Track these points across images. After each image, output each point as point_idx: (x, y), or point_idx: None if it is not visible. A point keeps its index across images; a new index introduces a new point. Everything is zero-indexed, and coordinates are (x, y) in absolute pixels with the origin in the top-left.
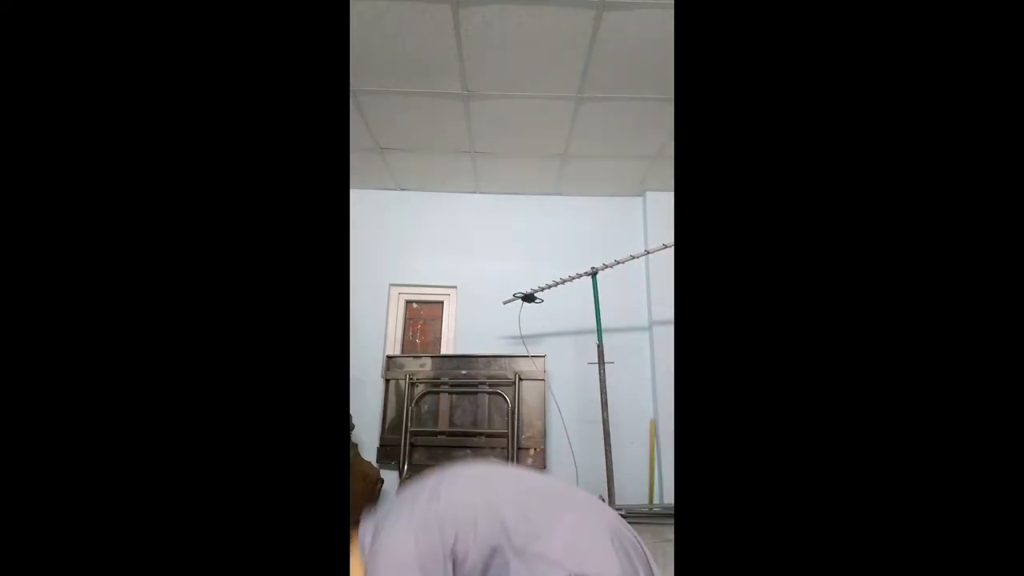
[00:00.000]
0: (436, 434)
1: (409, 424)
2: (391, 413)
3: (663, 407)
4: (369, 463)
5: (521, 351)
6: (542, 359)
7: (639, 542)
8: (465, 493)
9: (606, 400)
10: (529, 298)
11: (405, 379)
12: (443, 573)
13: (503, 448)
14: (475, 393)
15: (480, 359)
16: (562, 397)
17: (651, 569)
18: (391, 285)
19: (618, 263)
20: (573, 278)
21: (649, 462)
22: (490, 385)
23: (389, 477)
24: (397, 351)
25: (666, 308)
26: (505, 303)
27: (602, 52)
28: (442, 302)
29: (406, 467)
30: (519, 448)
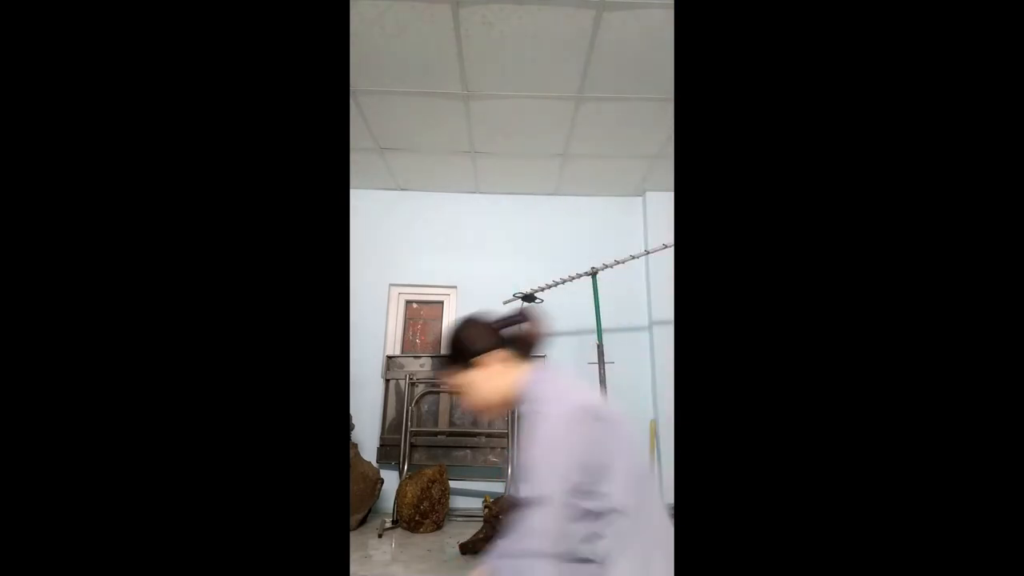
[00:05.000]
0: (436, 434)
1: (409, 424)
2: (391, 413)
3: (663, 407)
4: (369, 463)
5: None
6: (542, 359)
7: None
8: (624, 459)
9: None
10: (529, 298)
11: (405, 379)
12: (571, 457)
13: (503, 448)
14: None
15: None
16: None
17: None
18: (391, 285)
19: (618, 263)
20: (573, 278)
21: (649, 462)
22: None
23: (389, 477)
24: (397, 351)
25: (666, 308)
26: (505, 303)
27: (602, 52)
28: (442, 302)
29: (406, 467)
30: (519, 448)
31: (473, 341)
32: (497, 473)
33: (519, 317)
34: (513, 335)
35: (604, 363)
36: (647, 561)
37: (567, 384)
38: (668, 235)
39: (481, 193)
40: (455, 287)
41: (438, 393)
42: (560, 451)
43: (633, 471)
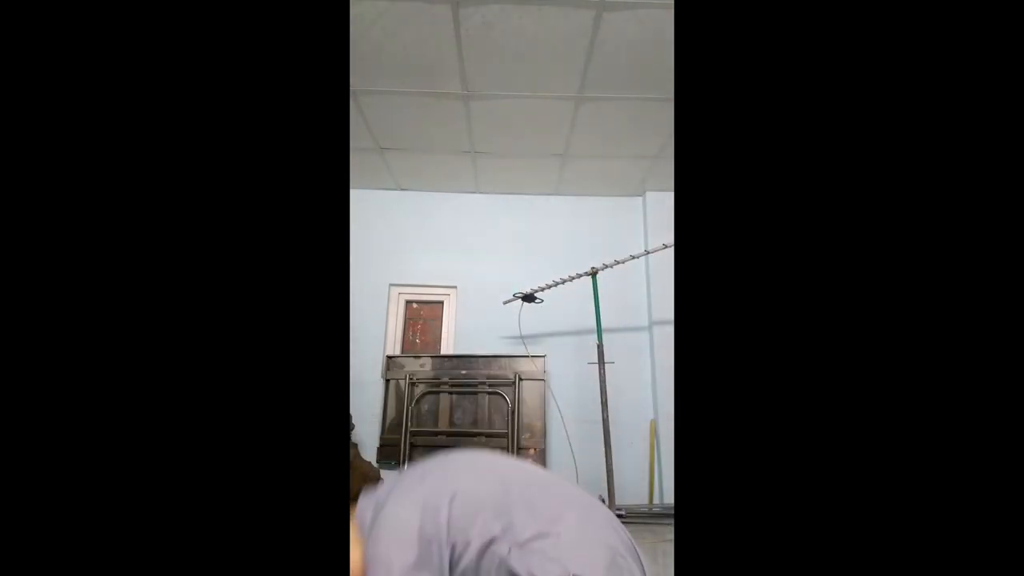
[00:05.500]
0: (436, 434)
1: (409, 424)
2: (391, 413)
3: (663, 407)
4: (369, 463)
5: (521, 351)
6: (542, 359)
7: (633, 545)
8: (477, 485)
9: (606, 400)
10: (529, 298)
11: (405, 379)
12: (440, 556)
13: (503, 448)
14: (475, 393)
15: (480, 359)
16: (562, 397)
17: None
18: (391, 285)
19: (618, 263)
20: (573, 278)
21: (649, 462)
22: (490, 385)
23: (389, 477)
24: (397, 351)
25: (666, 308)
26: (505, 303)
27: (602, 52)
28: (442, 302)
29: (406, 467)
30: (519, 448)
31: None
32: None
33: None
34: None
35: (604, 363)
36: (559, 553)
37: (378, 499)
38: (668, 235)
39: (481, 193)
40: (455, 287)
41: (438, 393)
42: (395, 562)
43: (492, 497)
